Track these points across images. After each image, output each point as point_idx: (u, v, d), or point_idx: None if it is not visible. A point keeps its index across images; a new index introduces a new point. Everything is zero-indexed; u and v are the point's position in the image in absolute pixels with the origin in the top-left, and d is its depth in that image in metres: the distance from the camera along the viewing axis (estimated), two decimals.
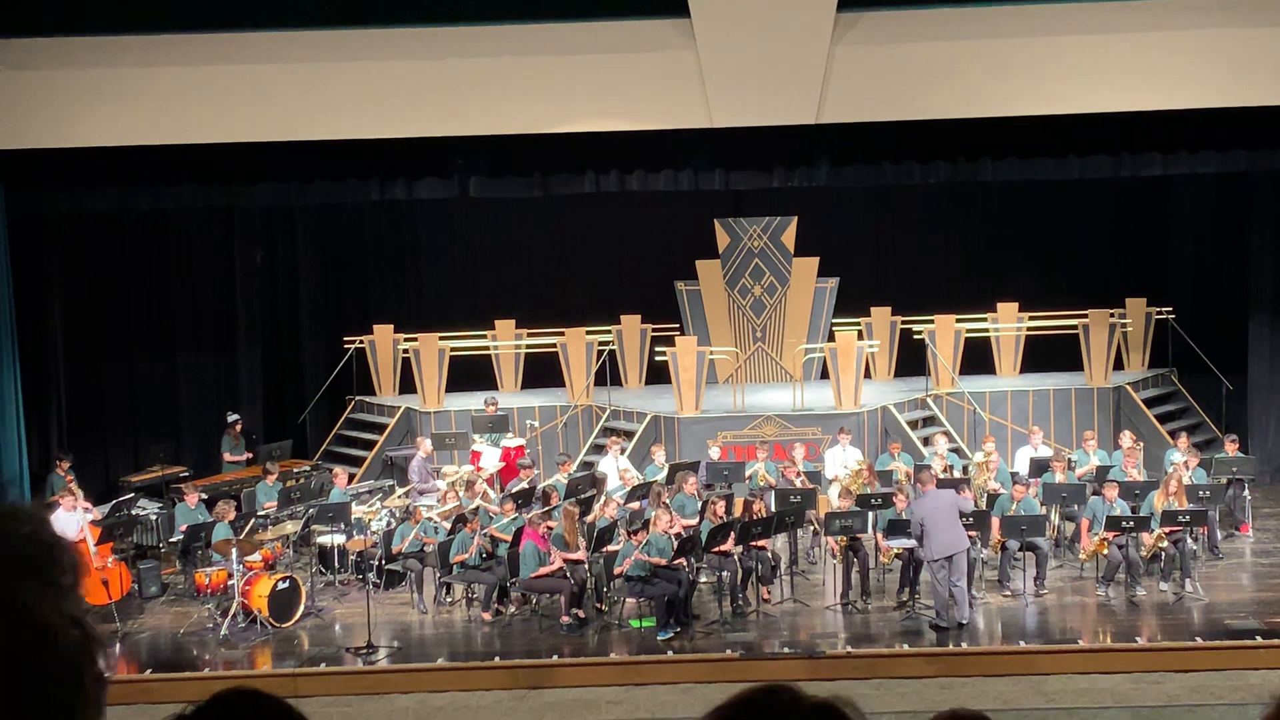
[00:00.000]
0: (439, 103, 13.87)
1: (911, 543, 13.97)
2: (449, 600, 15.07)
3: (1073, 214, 21.60)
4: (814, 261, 20.65)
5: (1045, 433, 18.07)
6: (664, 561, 13.70)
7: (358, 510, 16.06)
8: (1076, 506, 15.48)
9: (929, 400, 19.27)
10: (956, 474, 16.17)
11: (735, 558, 14.19)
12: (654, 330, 20.78)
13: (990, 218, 21.56)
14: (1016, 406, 19.42)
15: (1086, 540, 15.00)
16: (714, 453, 17.28)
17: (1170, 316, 20.24)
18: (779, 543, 15.48)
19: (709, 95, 13.48)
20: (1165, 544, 14.52)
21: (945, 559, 13.43)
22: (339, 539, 15.65)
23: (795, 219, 20.61)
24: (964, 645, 13.31)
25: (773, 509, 15.29)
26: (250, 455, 18.93)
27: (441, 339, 20.24)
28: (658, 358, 19.63)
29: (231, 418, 18.97)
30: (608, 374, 19.83)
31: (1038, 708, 12.21)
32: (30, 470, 15.33)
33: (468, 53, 13.46)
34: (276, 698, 1.90)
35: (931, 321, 19.97)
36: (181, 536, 15.49)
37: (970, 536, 14.40)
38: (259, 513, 16.03)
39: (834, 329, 20.21)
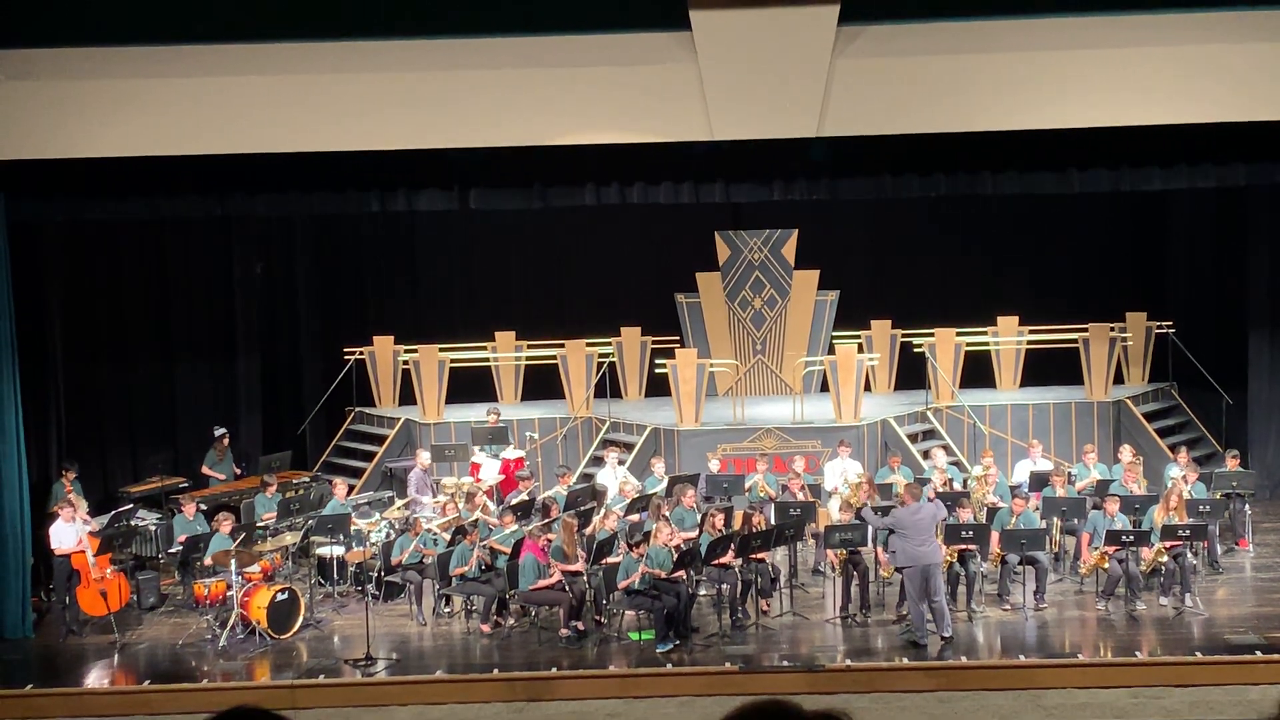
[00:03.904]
0: (439, 115, 13.87)
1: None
2: (448, 612, 15.06)
3: (1073, 228, 21.62)
4: (814, 274, 20.67)
5: (1045, 446, 18.07)
6: (663, 574, 13.69)
7: (357, 522, 16.05)
8: (1076, 520, 15.48)
9: (929, 413, 19.27)
10: (956, 487, 16.17)
11: (735, 570, 14.18)
12: (654, 342, 20.79)
13: (990, 231, 21.58)
14: (1016, 420, 19.42)
15: (1087, 554, 15.00)
16: (713, 465, 17.27)
17: (1170, 331, 20.25)
18: (779, 556, 15.47)
19: (709, 108, 13.48)
20: (1165, 558, 14.52)
21: (918, 574, 13.45)
22: (338, 550, 15.65)
23: (795, 231, 20.63)
24: (963, 659, 13.30)
25: (772, 522, 15.28)
26: (239, 471, 18.79)
27: (441, 350, 20.25)
28: (658, 370, 19.64)
29: (218, 431, 18.68)
30: (607, 386, 19.84)
31: None
32: (29, 480, 15.31)
33: (468, 65, 13.46)
34: (282, 716, 1.91)
35: (931, 335, 19.98)
36: (180, 548, 15.48)
37: (969, 550, 14.42)
38: (258, 524, 16.02)
39: (834, 342, 20.23)
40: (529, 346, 20.96)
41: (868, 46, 13.06)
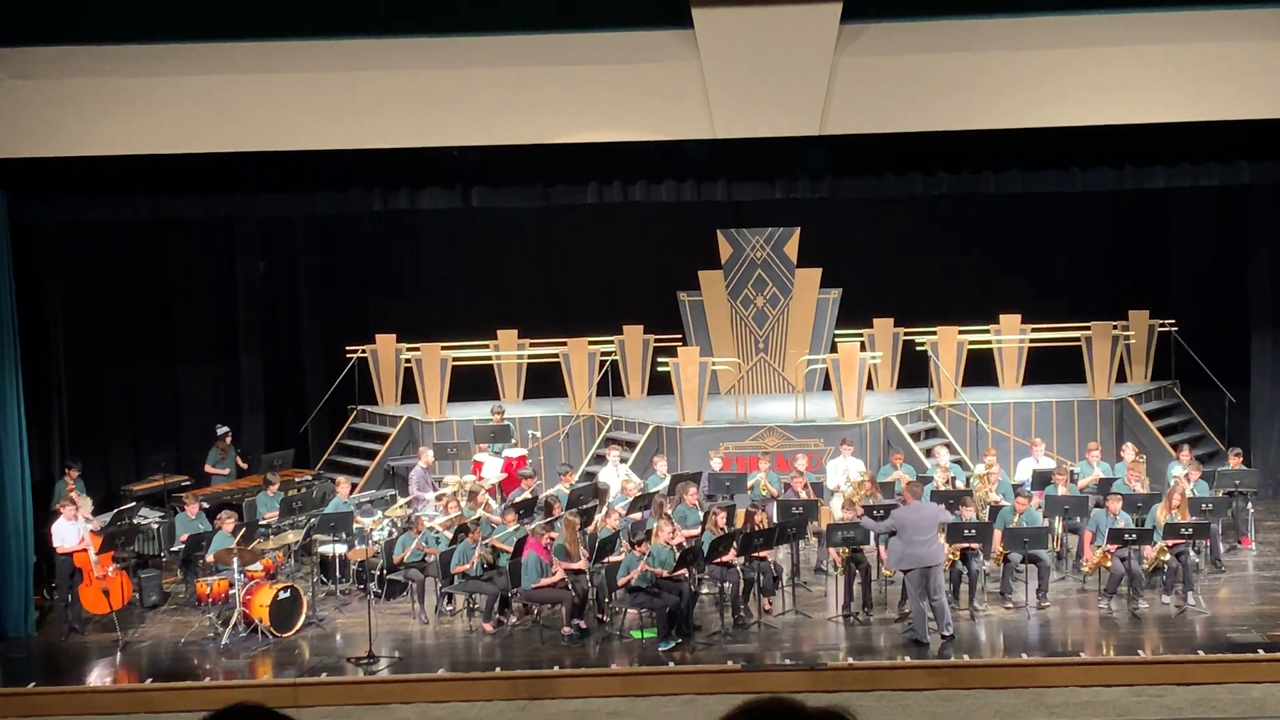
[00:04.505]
0: (441, 113, 13.87)
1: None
2: (450, 610, 15.05)
3: (1075, 226, 21.59)
4: (816, 272, 20.65)
5: (1047, 445, 18.06)
6: (665, 573, 13.68)
7: (359, 520, 16.04)
8: (1079, 519, 15.46)
9: (931, 412, 19.26)
10: (959, 485, 16.15)
11: (737, 569, 14.17)
12: (656, 341, 20.78)
13: (993, 229, 21.53)
14: (1019, 418, 19.40)
15: (1089, 553, 14.98)
16: (716, 463, 17.27)
17: (1173, 329, 20.24)
18: (781, 554, 15.46)
19: (712, 106, 13.47)
20: (1167, 557, 14.51)
21: (918, 572, 13.45)
22: (340, 549, 15.65)
23: (798, 230, 20.61)
24: (965, 657, 13.28)
25: (775, 520, 15.27)
26: (244, 466, 18.80)
27: (444, 349, 20.25)
28: (660, 368, 19.63)
29: (221, 430, 18.69)
30: (610, 384, 19.83)
31: None
32: (32, 478, 15.32)
33: (470, 63, 13.46)
34: (283, 714, 1.92)
35: (934, 333, 19.96)
36: (182, 546, 15.48)
37: (972, 549, 14.41)
38: (260, 522, 16.03)
39: (836, 340, 20.21)
40: (531, 345, 20.96)
41: (870, 44, 13.06)
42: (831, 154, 15.35)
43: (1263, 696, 12.41)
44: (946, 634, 13.53)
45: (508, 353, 20.96)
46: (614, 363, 20.36)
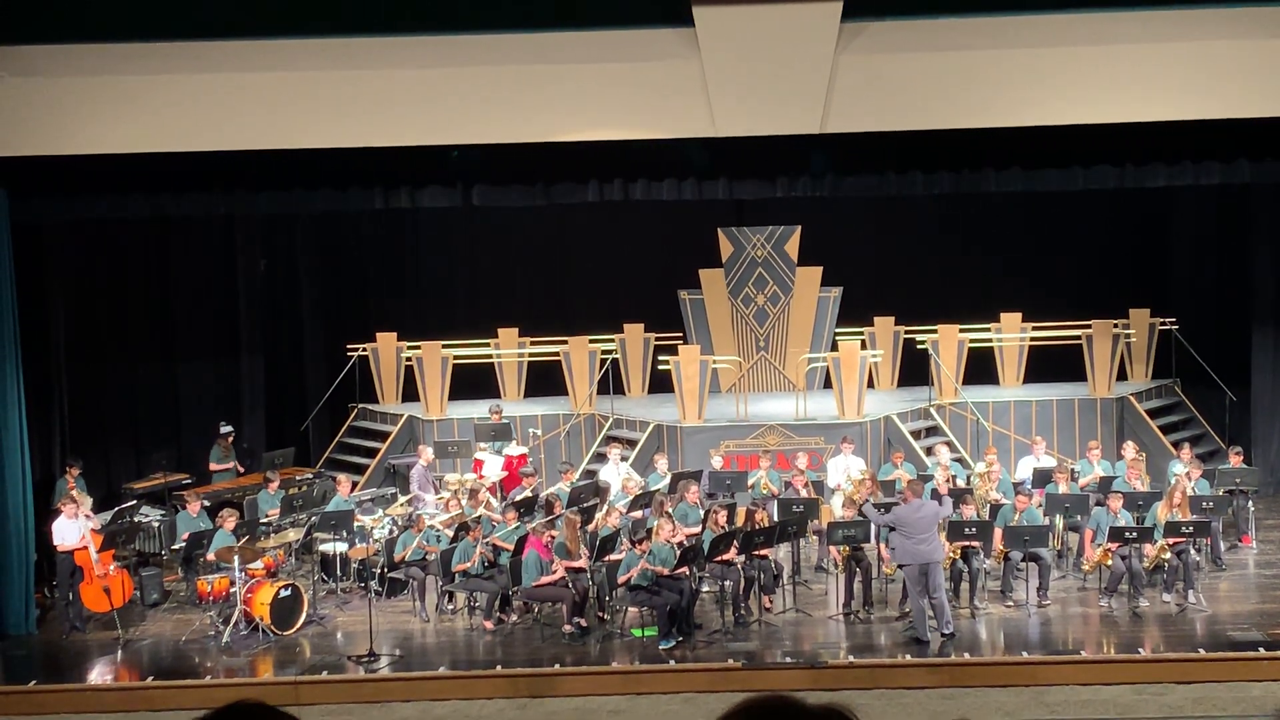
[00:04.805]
0: (442, 111, 13.87)
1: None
2: (451, 609, 15.06)
3: (1076, 224, 21.59)
4: (817, 271, 20.65)
5: (1048, 443, 18.07)
6: (666, 571, 13.68)
7: (360, 518, 16.05)
8: (1080, 517, 15.47)
9: (932, 410, 19.26)
10: (960, 484, 16.16)
11: (738, 567, 14.18)
12: (657, 339, 20.79)
13: (994, 228, 21.53)
14: (1020, 416, 19.40)
15: (1090, 551, 14.99)
16: (716, 462, 17.28)
17: (1174, 327, 20.24)
18: (781, 552, 15.47)
19: (712, 105, 13.47)
20: (1168, 555, 14.52)
21: (917, 570, 13.45)
22: (341, 547, 15.66)
23: (799, 228, 20.61)
24: (966, 655, 13.29)
25: (775, 518, 15.27)
26: (243, 468, 18.82)
27: (444, 347, 20.25)
28: (661, 367, 19.64)
29: (225, 429, 18.75)
30: (610, 383, 19.84)
31: (1040, 719, 12.18)
32: (33, 477, 15.32)
33: (471, 61, 13.46)
34: (284, 711, 1.93)
35: (935, 331, 19.96)
36: (183, 544, 15.48)
37: (972, 547, 14.42)
38: (261, 520, 16.03)
39: (837, 338, 20.22)
40: (532, 343, 20.98)
41: (871, 43, 13.05)
42: (832, 152, 15.34)
43: (1263, 695, 12.42)
44: (947, 632, 13.54)
45: (508, 351, 20.97)
46: (615, 361, 20.38)
